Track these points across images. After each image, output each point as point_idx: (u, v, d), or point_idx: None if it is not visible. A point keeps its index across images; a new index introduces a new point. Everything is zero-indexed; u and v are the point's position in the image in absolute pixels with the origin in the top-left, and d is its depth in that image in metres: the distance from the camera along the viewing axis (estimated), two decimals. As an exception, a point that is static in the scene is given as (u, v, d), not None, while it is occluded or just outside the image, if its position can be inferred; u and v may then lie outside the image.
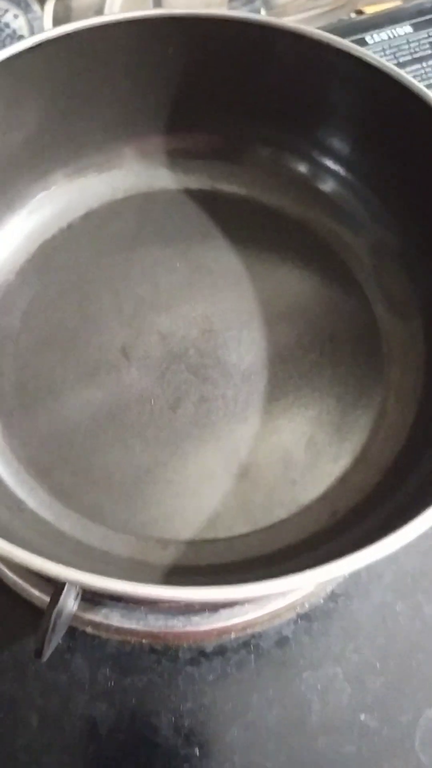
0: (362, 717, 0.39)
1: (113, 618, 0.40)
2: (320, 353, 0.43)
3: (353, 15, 0.63)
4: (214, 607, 0.40)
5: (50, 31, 0.41)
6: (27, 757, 0.38)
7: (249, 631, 0.40)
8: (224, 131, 0.48)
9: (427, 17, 0.61)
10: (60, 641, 0.36)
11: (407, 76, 0.40)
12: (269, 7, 0.62)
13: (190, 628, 0.40)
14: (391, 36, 0.60)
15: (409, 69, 0.59)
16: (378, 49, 0.58)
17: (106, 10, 0.58)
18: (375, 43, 0.60)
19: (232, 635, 0.40)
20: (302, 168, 0.49)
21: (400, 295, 0.45)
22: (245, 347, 0.44)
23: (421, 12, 0.61)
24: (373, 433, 0.41)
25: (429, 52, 0.59)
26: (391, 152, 0.44)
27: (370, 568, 0.42)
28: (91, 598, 0.40)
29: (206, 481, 0.40)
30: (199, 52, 0.44)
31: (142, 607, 0.40)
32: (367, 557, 0.29)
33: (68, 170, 0.48)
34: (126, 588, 0.28)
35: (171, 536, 0.38)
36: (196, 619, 0.40)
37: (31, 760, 0.38)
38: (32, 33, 0.58)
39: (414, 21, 0.60)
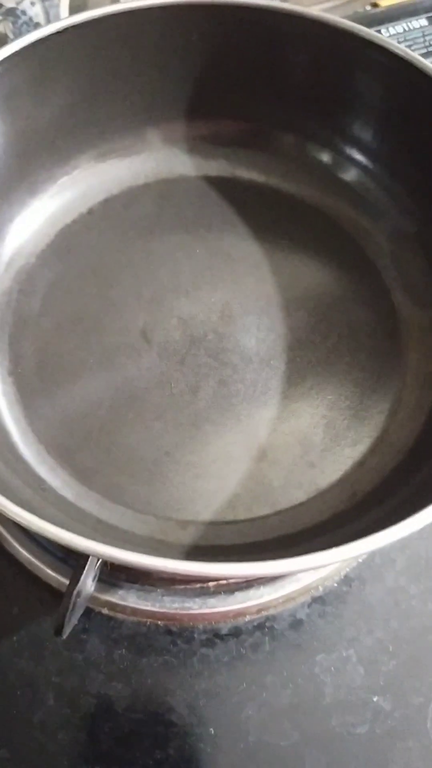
0: (375, 699, 0.39)
1: (129, 599, 0.40)
2: (338, 339, 0.44)
3: (368, 7, 0.63)
4: (229, 590, 0.40)
5: (76, 15, 0.41)
6: (43, 734, 0.38)
7: (264, 613, 0.41)
8: (247, 118, 0.48)
9: (443, 10, 0.61)
10: (76, 622, 0.36)
11: (432, 65, 0.41)
12: (286, -1, 0.62)
13: (205, 610, 0.40)
14: (407, 29, 0.60)
15: (424, 62, 0.59)
16: (393, 41, 0.59)
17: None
18: (390, 35, 0.60)
19: (247, 617, 0.41)
20: (324, 156, 0.49)
21: (419, 282, 0.45)
22: (264, 332, 0.44)
23: (437, 5, 0.61)
24: (391, 417, 0.41)
25: (444, 45, 0.60)
26: (414, 141, 0.44)
27: (383, 552, 0.43)
28: (108, 579, 0.40)
29: (226, 464, 0.40)
30: (223, 38, 0.44)
31: (159, 589, 0.40)
32: (388, 537, 0.29)
33: (90, 155, 0.48)
34: (154, 563, 0.29)
35: (191, 517, 0.39)
36: (211, 601, 0.40)
37: (47, 738, 0.38)
38: (48, 20, 0.58)
39: (430, 14, 0.61)
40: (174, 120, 0.48)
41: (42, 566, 0.41)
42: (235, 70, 0.46)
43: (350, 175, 0.49)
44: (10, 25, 0.57)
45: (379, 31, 0.60)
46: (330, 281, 0.46)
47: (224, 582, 0.40)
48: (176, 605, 0.40)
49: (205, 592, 0.40)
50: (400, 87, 0.43)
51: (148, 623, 0.40)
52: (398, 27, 0.60)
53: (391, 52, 0.41)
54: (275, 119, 0.48)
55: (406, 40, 0.60)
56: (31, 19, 0.58)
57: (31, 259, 0.46)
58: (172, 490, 0.39)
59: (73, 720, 0.39)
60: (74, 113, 0.45)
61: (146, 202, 0.48)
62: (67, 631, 0.34)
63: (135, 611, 0.40)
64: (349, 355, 0.43)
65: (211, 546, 0.38)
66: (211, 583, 0.40)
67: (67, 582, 0.39)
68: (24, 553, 0.41)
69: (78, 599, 0.34)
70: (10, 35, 0.57)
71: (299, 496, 0.39)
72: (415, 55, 0.41)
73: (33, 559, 0.41)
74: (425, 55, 0.59)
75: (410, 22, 0.61)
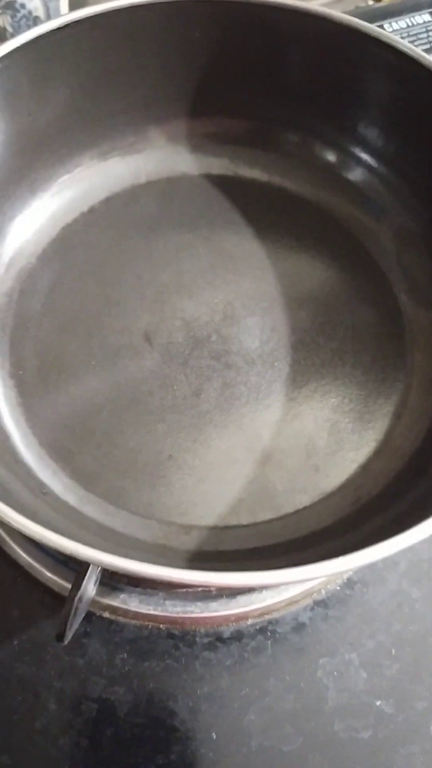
0: (378, 703, 0.39)
1: (131, 603, 0.40)
2: (342, 340, 0.43)
3: (371, 2, 0.62)
4: (231, 593, 0.40)
5: (78, 11, 0.40)
6: (45, 739, 0.38)
7: (266, 617, 0.41)
8: (250, 116, 0.48)
9: (446, 6, 0.60)
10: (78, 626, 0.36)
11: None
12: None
13: (207, 614, 0.40)
14: (410, 24, 0.60)
15: (427, 58, 0.58)
16: (397, 37, 0.58)
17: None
18: (393, 31, 0.59)
19: (250, 621, 0.40)
20: (329, 155, 0.48)
21: (424, 283, 0.45)
22: (267, 334, 0.44)
23: (439, 0, 0.61)
24: (395, 421, 0.41)
25: (447, 40, 0.59)
26: (420, 139, 0.43)
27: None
28: (109, 582, 0.40)
29: (229, 467, 0.40)
30: (226, 35, 0.44)
31: (160, 593, 0.40)
32: (394, 546, 0.29)
33: (91, 153, 0.48)
34: (159, 572, 0.28)
35: (194, 522, 0.38)
36: (213, 604, 0.40)
37: (48, 743, 0.38)
38: (48, 14, 0.58)
39: (433, 9, 0.60)
40: (176, 118, 0.48)
41: (42, 569, 0.40)
42: (238, 67, 0.45)
43: (355, 174, 0.48)
44: (9, 18, 0.56)
45: (381, 27, 0.59)
46: (334, 281, 0.45)
47: (226, 586, 0.40)
48: (178, 609, 0.40)
49: (207, 596, 0.40)
50: (405, 84, 0.43)
51: (150, 627, 0.40)
52: (401, 22, 0.60)
53: (397, 49, 0.40)
54: (279, 117, 0.47)
55: (409, 36, 0.59)
56: (30, 12, 0.57)
57: (32, 260, 0.45)
58: (175, 495, 0.39)
59: (74, 725, 0.39)
60: (75, 111, 0.45)
61: (148, 201, 0.48)
62: (69, 636, 0.33)
63: (136, 615, 0.40)
64: (354, 356, 0.43)
65: (215, 551, 0.37)
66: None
67: (67, 585, 0.40)
68: (24, 556, 0.41)
69: (80, 604, 0.34)
70: (9, 29, 0.57)
71: (303, 500, 0.39)
72: (419, 52, 0.40)
73: (33, 563, 0.41)
74: (429, 51, 0.58)
75: (413, 17, 0.60)
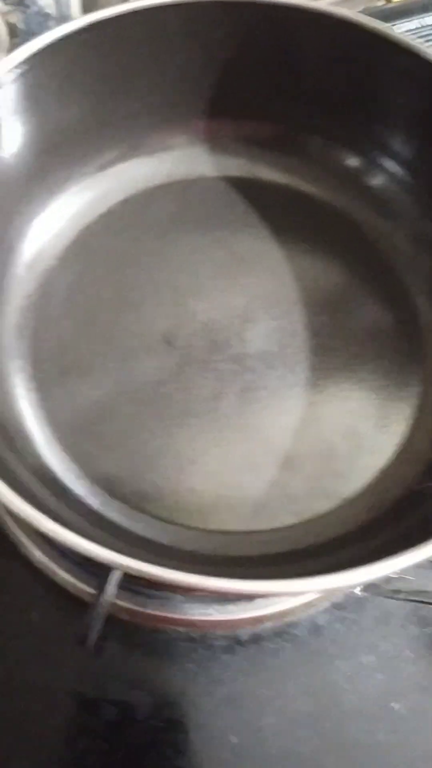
0: (394, 705, 0.39)
1: (149, 606, 0.40)
2: (361, 344, 0.43)
3: (381, 2, 0.62)
4: (249, 597, 0.40)
5: (100, 12, 0.40)
6: (63, 742, 0.38)
7: (284, 620, 0.41)
8: (270, 118, 0.47)
9: (458, 7, 0.60)
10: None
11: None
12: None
13: (225, 617, 0.40)
14: (421, 25, 0.59)
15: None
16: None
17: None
18: (404, 32, 0.59)
19: (267, 624, 0.41)
20: (349, 159, 0.48)
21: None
22: (287, 338, 0.43)
23: (451, 1, 0.61)
24: (415, 426, 0.41)
25: (459, 42, 0.59)
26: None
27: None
28: (127, 585, 0.40)
29: (249, 472, 0.40)
30: (247, 36, 0.43)
31: (179, 596, 0.40)
32: (414, 558, 0.29)
33: (110, 155, 0.47)
34: (189, 580, 0.28)
35: (215, 526, 0.38)
36: (231, 607, 0.40)
37: (67, 746, 0.38)
38: (59, 11, 0.57)
39: (444, 10, 0.60)
40: (196, 119, 0.47)
41: (60, 571, 0.40)
42: (259, 69, 0.45)
43: (375, 178, 0.48)
44: (20, 14, 0.56)
45: (391, 28, 0.59)
46: (351, 285, 0.45)
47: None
48: (196, 612, 0.40)
49: (225, 599, 0.40)
50: (424, 88, 0.43)
51: (168, 630, 0.40)
52: (411, 23, 0.60)
53: (418, 54, 0.40)
54: (300, 121, 0.47)
55: (420, 37, 0.59)
56: (41, 8, 0.57)
57: (52, 262, 0.45)
58: (197, 499, 0.39)
59: (92, 728, 0.39)
60: (95, 112, 0.44)
61: (166, 203, 0.47)
62: (93, 640, 0.34)
63: (155, 618, 0.40)
64: (372, 360, 0.43)
65: (237, 557, 0.37)
66: (231, 590, 0.40)
67: (85, 587, 0.40)
68: (41, 558, 0.41)
69: (102, 609, 0.34)
70: (20, 25, 0.56)
71: (324, 505, 0.39)
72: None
73: (51, 564, 0.41)
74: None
75: (424, 18, 0.60)
